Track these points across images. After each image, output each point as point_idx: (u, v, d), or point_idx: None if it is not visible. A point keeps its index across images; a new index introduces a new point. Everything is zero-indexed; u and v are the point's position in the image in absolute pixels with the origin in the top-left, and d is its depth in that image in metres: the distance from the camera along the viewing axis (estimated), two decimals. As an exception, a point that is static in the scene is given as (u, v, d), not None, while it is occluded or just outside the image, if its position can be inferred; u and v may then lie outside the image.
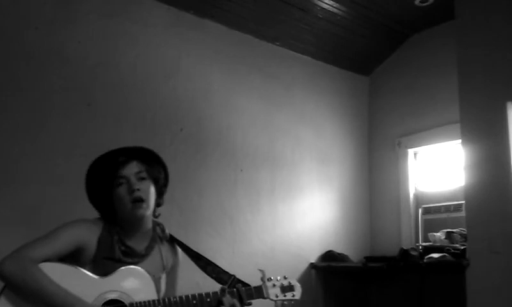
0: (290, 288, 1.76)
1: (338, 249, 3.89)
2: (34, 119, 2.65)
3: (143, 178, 1.69)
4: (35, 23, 2.71)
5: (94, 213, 1.76)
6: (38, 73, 2.69)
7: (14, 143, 2.58)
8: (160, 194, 1.78)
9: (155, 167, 1.75)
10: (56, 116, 2.73)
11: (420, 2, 3.48)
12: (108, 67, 2.96)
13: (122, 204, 1.66)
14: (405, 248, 3.45)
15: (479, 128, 3.05)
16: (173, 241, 1.86)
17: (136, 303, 1.60)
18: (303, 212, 3.82)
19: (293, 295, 1.76)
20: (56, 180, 2.65)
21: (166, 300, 1.63)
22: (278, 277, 1.77)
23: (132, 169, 1.67)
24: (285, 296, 1.75)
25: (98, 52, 2.92)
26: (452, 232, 3.36)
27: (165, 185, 1.83)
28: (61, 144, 2.72)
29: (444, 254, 3.17)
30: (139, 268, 1.66)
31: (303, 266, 3.76)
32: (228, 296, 1.66)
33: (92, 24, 2.92)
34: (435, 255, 3.20)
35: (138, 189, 1.65)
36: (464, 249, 3.09)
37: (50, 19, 2.77)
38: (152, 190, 1.71)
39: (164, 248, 1.82)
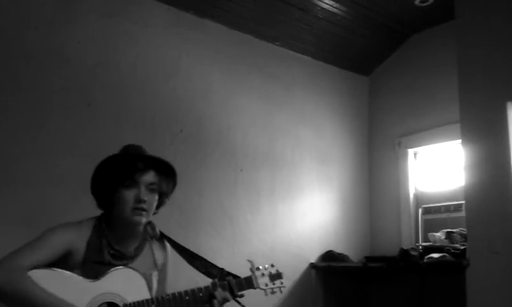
0: (278, 275, 1.80)
1: (338, 249, 3.89)
2: (34, 119, 2.65)
3: (152, 190, 1.70)
4: (35, 23, 2.71)
5: (93, 214, 1.76)
6: (38, 73, 2.69)
7: (14, 143, 2.58)
8: (160, 204, 1.80)
9: (166, 182, 1.77)
10: (56, 116, 2.73)
11: (420, 2, 3.47)
12: (108, 67, 2.95)
13: (123, 205, 1.66)
14: (405, 248, 3.45)
15: (479, 128, 3.04)
16: (162, 238, 1.86)
17: (130, 304, 1.60)
18: (303, 212, 3.82)
19: (281, 283, 1.80)
20: (56, 180, 2.65)
21: (160, 298, 1.64)
22: (266, 266, 1.81)
23: (147, 178, 1.68)
24: (274, 284, 1.79)
25: (98, 52, 2.92)
26: (452, 232, 3.36)
27: (170, 193, 1.84)
28: (61, 144, 2.72)
29: (444, 254, 3.17)
30: (130, 268, 1.66)
31: (303, 266, 3.76)
32: (219, 289, 1.69)
33: (92, 24, 2.92)
34: (435, 255, 3.20)
35: (145, 201, 1.66)
36: (464, 249, 3.08)
37: (50, 19, 2.77)
38: (155, 202, 1.73)
39: (156, 246, 1.83)
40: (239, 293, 1.74)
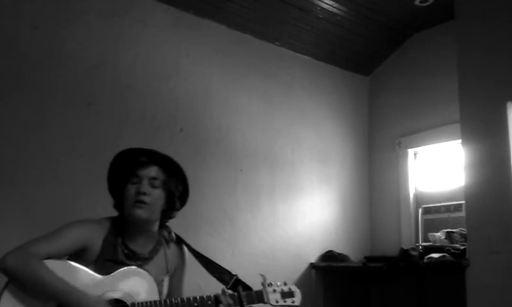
0: (290, 294, 1.78)
1: (338, 249, 3.89)
2: (34, 119, 2.65)
3: (155, 186, 1.71)
4: (35, 23, 2.71)
5: (93, 214, 1.76)
6: (38, 73, 2.69)
7: (14, 143, 2.57)
8: (172, 207, 1.79)
9: (173, 180, 1.77)
10: (56, 116, 2.73)
11: (420, 2, 3.47)
12: (108, 67, 2.95)
13: (127, 201, 1.68)
14: (405, 248, 3.44)
15: (479, 128, 3.04)
16: (180, 242, 1.87)
17: (138, 303, 1.60)
18: (303, 212, 3.82)
19: (293, 302, 1.78)
20: (55, 180, 2.65)
21: (168, 301, 1.64)
22: (278, 283, 1.79)
23: (149, 172, 1.70)
24: (285, 302, 1.76)
25: (98, 52, 2.92)
26: (452, 232, 3.36)
27: (183, 199, 1.85)
28: (61, 144, 2.72)
29: (444, 254, 3.16)
30: (141, 269, 1.68)
31: (303, 266, 3.76)
32: (228, 299, 1.68)
33: (92, 24, 2.92)
34: (435, 255, 3.19)
35: (145, 193, 1.67)
36: (464, 249, 3.08)
37: (50, 19, 2.77)
38: (161, 199, 1.73)
39: (170, 251, 1.83)
40: (248, 305, 1.73)
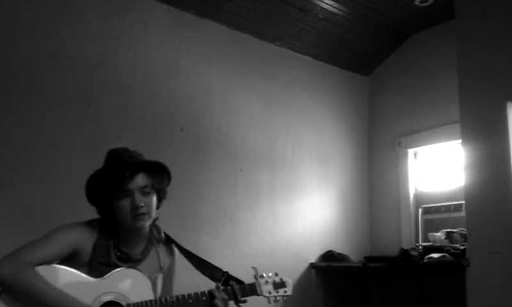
0: (281, 284, 1.82)
1: (338, 249, 3.89)
2: (34, 119, 2.65)
3: (147, 193, 1.69)
4: (35, 23, 2.71)
5: (93, 214, 1.76)
6: (38, 73, 2.69)
7: (14, 143, 2.57)
8: (160, 199, 1.79)
9: (160, 178, 1.76)
10: (56, 116, 2.73)
11: (420, 2, 3.48)
12: (108, 67, 2.95)
13: (123, 215, 1.66)
14: (405, 248, 3.45)
15: (479, 128, 3.04)
16: (169, 241, 1.87)
17: (133, 304, 1.60)
18: (303, 212, 3.82)
19: (285, 291, 1.82)
20: (55, 180, 2.65)
21: (163, 300, 1.64)
22: (270, 274, 1.82)
23: (137, 183, 1.67)
24: (277, 292, 1.80)
25: (98, 52, 2.92)
26: (452, 232, 3.36)
27: (167, 186, 1.84)
28: (61, 144, 2.72)
29: (444, 254, 3.17)
30: (135, 269, 1.67)
31: (303, 266, 3.76)
32: (222, 294, 1.69)
33: (92, 24, 2.92)
34: (435, 255, 3.20)
35: (142, 206, 1.66)
36: (464, 249, 3.08)
37: (50, 19, 2.77)
38: (154, 202, 1.73)
39: (161, 249, 1.84)
40: (242, 298, 1.74)
